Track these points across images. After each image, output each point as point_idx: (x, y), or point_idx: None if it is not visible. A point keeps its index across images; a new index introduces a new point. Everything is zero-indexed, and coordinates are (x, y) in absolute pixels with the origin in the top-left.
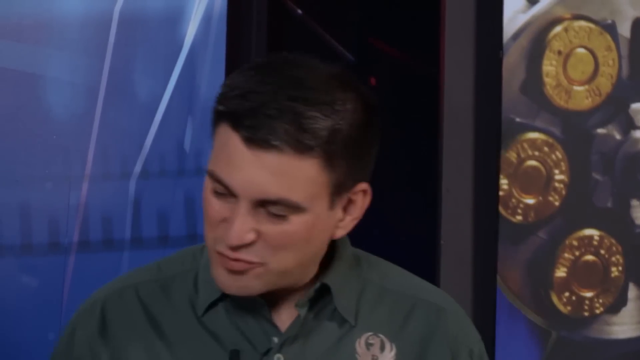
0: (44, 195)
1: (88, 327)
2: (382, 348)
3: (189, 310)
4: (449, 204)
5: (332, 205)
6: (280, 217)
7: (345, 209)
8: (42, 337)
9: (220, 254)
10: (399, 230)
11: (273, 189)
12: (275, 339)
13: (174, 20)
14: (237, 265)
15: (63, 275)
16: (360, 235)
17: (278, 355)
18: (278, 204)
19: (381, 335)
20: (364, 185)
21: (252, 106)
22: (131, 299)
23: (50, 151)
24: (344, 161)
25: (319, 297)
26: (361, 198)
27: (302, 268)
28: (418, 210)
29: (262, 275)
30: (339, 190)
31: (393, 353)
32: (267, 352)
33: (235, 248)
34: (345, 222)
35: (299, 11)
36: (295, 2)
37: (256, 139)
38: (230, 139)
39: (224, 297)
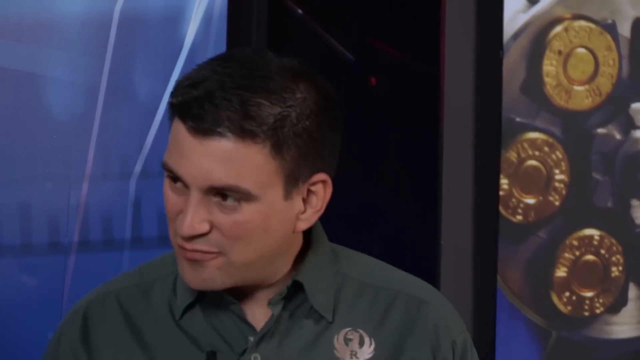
0: (44, 195)
1: (71, 334)
2: (361, 343)
3: (168, 313)
4: (449, 203)
5: (287, 195)
6: (232, 207)
7: (305, 201)
8: (42, 336)
9: (180, 246)
10: (399, 230)
11: (220, 176)
12: (252, 339)
13: (175, 20)
14: (196, 254)
15: (63, 275)
16: (360, 235)
17: (255, 354)
18: (228, 191)
19: (360, 331)
20: (322, 176)
21: (199, 95)
22: (112, 305)
23: (51, 151)
24: (295, 149)
25: (294, 294)
26: (321, 189)
27: (266, 261)
28: (418, 209)
29: (224, 268)
30: (293, 179)
31: (372, 348)
32: (244, 351)
33: (190, 238)
34: (306, 214)
35: (300, 11)
36: (295, 2)
37: (201, 128)
38: (179, 130)
39: (200, 298)
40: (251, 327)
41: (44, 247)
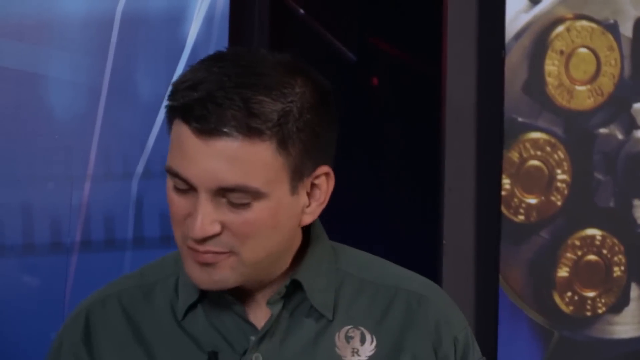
0: (46, 195)
1: (73, 337)
2: (363, 340)
3: (170, 315)
4: (451, 203)
5: (293, 190)
6: (242, 206)
7: (310, 195)
8: (43, 337)
9: (191, 248)
10: (401, 230)
11: (229, 176)
12: (253, 338)
13: (176, 20)
14: (208, 257)
15: (65, 275)
16: (362, 234)
17: (256, 354)
18: (237, 191)
19: (361, 328)
20: (325, 169)
21: (200, 96)
22: (114, 307)
23: (53, 151)
24: (299, 144)
25: (293, 293)
26: (324, 182)
27: (274, 258)
28: (420, 209)
29: (236, 267)
30: (298, 174)
31: (374, 345)
32: (246, 351)
33: (201, 241)
34: (311, 207)
35: (301, 11)
36: (297, 2)
37: (206, 129)
38: (182, 132)
39: (202, 299)
40: (252, 327)
41: (46, 247)
